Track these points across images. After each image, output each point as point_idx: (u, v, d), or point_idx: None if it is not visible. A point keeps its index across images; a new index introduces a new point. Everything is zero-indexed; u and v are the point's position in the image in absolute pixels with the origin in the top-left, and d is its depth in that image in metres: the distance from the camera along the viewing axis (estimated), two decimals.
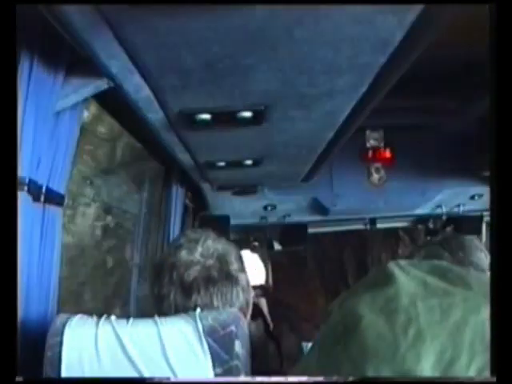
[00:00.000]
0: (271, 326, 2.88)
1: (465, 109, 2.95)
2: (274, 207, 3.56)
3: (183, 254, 1.59)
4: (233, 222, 3.60)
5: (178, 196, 3.08)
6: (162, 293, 1.56)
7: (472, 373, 0.73)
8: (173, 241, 1.85)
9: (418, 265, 0.86)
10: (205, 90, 1.40)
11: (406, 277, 0.83)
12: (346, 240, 6.47)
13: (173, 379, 1.23)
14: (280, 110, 1.57)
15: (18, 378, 1.03)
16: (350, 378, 0.76)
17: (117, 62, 1.22)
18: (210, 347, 1.24)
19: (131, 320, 1.32)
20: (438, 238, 2.75)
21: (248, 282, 1.67)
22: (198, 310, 1.34)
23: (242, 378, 1.26)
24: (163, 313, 1.46)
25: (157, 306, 1.57)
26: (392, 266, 0.85)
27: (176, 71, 1.26)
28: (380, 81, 1.43)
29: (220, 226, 3.46)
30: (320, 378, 0.81)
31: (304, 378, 0.87)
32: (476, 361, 0.74)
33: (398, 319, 0.76)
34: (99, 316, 1.32)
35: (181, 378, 1.23)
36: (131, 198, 3.45)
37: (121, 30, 1.04)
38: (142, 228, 3.39)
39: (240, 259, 1.68)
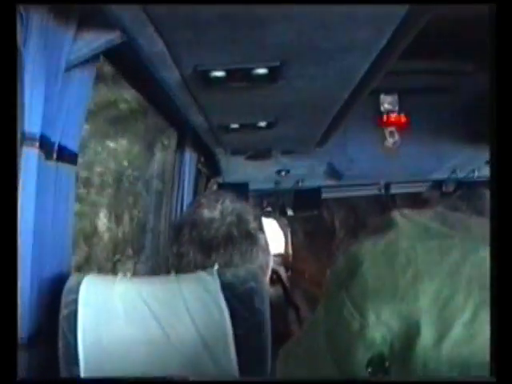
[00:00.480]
0: (289, 292, 2.90)
1: (480, 70, 2.92)
2: (287, 172, 3.56)
3: (203, 213, 1.59)
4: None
5: (191, 160, 3.07)
6: (181, 251, 1.56)
7: (468, 310, 0.72)
8: (193, 201, 1.86)
9: (420, 212, 0.87)
10: (219, 46, 1.37)
11: (407, 222, 0.83)
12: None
13: (191, 378, 1.24)
14: (296, 67, 1.54)
15: (18, 378, 1.04)
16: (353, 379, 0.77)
17: (130, 14, 1.19)
18: (228, 303, 1.23)
19: (150, 278, 1.32)
20: (457, 192, 2.74)
21: (267, 243, 1.67)
22: (216, 266, 1.33)
23: (250, 378, 1.27)
24: (182, 271, 1.45)
25: (175, 264, 1.56)
26: (394, 213, 0.86)
27: (190, 24, 1.23)
28: (398, 36, 1.40)
29: (239, 194, 3.47)
30: (323, 378, 0.81)
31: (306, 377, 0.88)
32: (473, 298, 0.73)
33: (398, 261, 0.76)
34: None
35: (200, 378, 1.24)
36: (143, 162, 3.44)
37: None
38: (154, 193, 3.38)
39: (259, 219, 1.68)
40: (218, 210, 1.60)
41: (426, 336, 0.71)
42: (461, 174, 3.64)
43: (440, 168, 3.58)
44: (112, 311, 1.24)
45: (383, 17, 1.27)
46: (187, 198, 3.05)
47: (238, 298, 1.24)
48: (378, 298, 0.75)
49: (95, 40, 1.31)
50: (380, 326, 0.73)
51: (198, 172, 3.29)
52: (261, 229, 1.65)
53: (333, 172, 3.57)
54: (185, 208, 2.96)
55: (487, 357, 0.73)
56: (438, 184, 3.88)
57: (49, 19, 1.22)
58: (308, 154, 3.37)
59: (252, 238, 1.58)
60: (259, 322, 1.25)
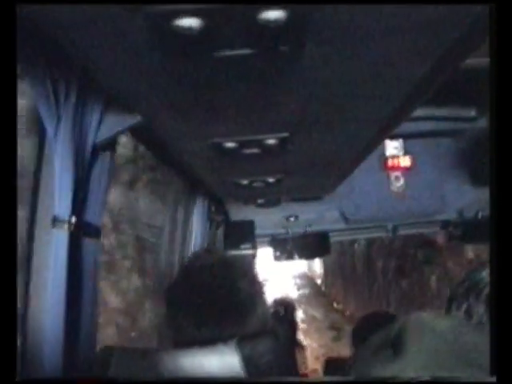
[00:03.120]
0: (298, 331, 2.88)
1: (483, 116, 2.98)
2: (296, 218, 3.61)
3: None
4: (256, 232, 3.64)
5: (203, 210, 3.14)
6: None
7: None
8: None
9: (436, 320, 0.92)
10: (231, 119, 1.44)
11: (418, 344, 0.87)
12: None
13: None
14: (303, 136, 1.61)
15: (18, 378, 1.06)
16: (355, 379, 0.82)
17: (146, 101, 1.27)
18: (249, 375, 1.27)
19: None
20: None
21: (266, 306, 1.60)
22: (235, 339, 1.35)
23: (248, 379, 1.29)
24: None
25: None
26: (409, 320, 0.92)
27: (204, 106, 1.30)
28: (405, 106, 1.45)
29: (245, 232, 3.51)
30: (322, 378, 0.85)
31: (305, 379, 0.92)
32: None
33: None
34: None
35: None
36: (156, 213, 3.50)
37: (149, 73, 1.09)
38: (166, 241, 3.44)
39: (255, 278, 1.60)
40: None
41: None
42: (467, 215, 3.68)
43: (446, 209, 3.62)
44: None
45: (387, 92, 1.32)
46: (198, 246, 3.11)
47: (257, 370, 1.28)
48: None
49: (118, 124, 1.40)
50: None
51: (210, 220, 3.34)
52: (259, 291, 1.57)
53: (340, 216, 3.63)
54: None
55: None
56: (445, 225, 3.92)
57: (78, 106, 1.30)
58: (316, 200, 3.44)
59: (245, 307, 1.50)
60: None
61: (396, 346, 0.89)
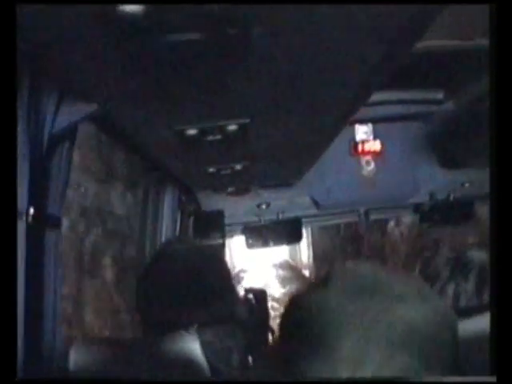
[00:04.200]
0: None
1: (450, 98, 3.00)
2: (268, 205, 3.61)
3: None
4: (227, 220, 3.64)
5: (172, 199, 3.12)
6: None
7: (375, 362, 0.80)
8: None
9: (357, 266, 0.96)
10: (191, 108, 1.43)
11: (343, 277, 0.93)
12: None
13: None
14: (265, 122, 1.61)
15: (18, 378, 1.03)
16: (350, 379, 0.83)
17: (101, 89, 1.26)
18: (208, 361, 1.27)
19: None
20: None
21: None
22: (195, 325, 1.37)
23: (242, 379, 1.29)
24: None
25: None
26: (336, 266, 0.97)
27: (161, 93, 1.29)
28: (363, 90, 1.46)
29: (214, 222, 3.51)
30: (323, 378, 0.86)
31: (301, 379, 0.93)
32: (380, 352, 0.81)
33: (327, 312, 0.86)
34: None
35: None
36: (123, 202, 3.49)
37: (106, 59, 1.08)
38: (135, 231, 3.43)
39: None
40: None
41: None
42: (438, 197, 3.69)
43: (417, 193, 3.64)
44: None
45: (347, 77, 1.33)
46: (169, 236, 3.11)
47: (217, 355, 1.29)
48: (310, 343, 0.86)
49: (74, 113, 1.38)
50: None
51: (180, 210, 3.33)
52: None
53: (312, 202, 3.63)
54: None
55: None
56: (417, 208, 3.94)
57: (31, 95, 1.29)
58: (287, 187, 3.44)
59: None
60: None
61: (323, 279, 0.94)
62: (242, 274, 18.34)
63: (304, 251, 17.13)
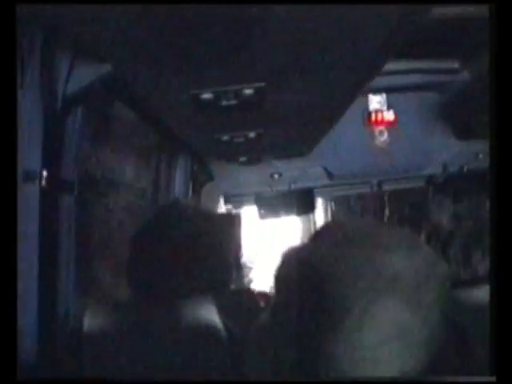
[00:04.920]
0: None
1: (465, 68, 2.96)
2: (280, 175, 3.60)
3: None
4: (239, 190, 3.64)
5: (185, 169, 3.12)
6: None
7: (357, 307, 0.83)
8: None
9: (350, 222, 1.00)
10: (206, 71, 1.41)
11: (337, 231, 0.97)
12: None
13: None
14: (280, 86, 1.59)
15: (18, 378, 1.02)
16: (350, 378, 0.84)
17: (119, 49, 1.24)
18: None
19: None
20: None
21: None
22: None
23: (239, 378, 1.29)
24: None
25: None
26: (330, 222, 1.01)
27: (177, 54, 1.27)
28: (381, 53, 1.44)
29: None
30: (323, 378, 0.87)
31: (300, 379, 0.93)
32: (363, 298, 0.83)
33: (319, 264, 0.90)
34: None
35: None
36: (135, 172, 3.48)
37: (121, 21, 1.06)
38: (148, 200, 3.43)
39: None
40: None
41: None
42: (452, 169, 3.67)
43: (430, 164, 3.62)
44: None
45: (364, 39, 1.31)
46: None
47: (233, 319, 1.28)
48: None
49: (88, 74, 1.36)
50: None
51: (193, 180, 3.33)
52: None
53: (325, 172, 3.61)
54: None
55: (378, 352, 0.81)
56: (430, 179, 3.92)
57: (44, 56, 1.27)
58: (300, 157, 3.42)
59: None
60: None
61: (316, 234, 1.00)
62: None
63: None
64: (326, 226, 1.00)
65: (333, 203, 10.13)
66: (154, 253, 1.45)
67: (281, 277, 0.97)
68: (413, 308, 0.83)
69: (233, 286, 1.48)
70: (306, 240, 1.02)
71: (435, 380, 0.82)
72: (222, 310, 1.28)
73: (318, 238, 0.96)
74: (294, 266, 0.93)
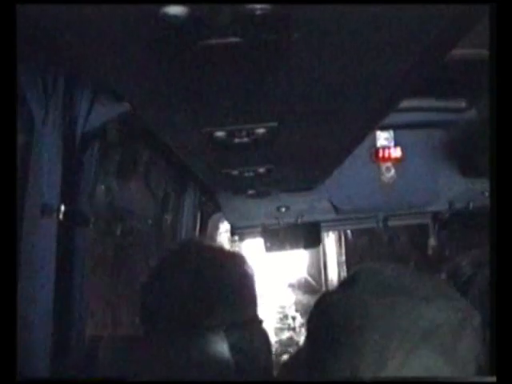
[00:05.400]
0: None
1: (472, 106, 3.00)
2: (287, 208, 3.62)
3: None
4: (246, 222, 3.66)
5: (193, 200, 3.15)
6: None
7: (399, 356, 0.83)
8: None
9: (382, 268, 1.00)
10: (222, 111, 1.44)
11: (368, 278, 0.96)
12: None
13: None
14: (292, 126, 1.61)
15: (18, 378, 1.04)
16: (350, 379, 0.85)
17: (135, 89, 1.27)
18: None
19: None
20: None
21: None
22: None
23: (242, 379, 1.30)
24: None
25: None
26: (360, 268, 1.01)
27: (193, 95, 1.30)
28: (392, 97, 1.47)
29: None
30: (323, 379, 0.88)
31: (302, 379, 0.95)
32: (404, 348, 0.84)
33: (354, 312, 0.90)
34: None
35: None
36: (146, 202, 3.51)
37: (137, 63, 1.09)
38: (155, 231, 3.45)
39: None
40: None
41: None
42: (456, 205, 3.69)
43: (436, 200, 3.64)
44: None
45: (376, 82, 1.33)
46: (186, 234, 3.14)
47: (246, 356, 1.30)
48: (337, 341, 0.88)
49: (106, 112, 1.40)
50: None
51: (200, 210, 3.36)
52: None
53: (331, 207, 3.64)
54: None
55: None
56: (435, 216, 3.94)
57: (66, 94, 1.31)
58: (307, 191, 3.45)
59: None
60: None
61: (350, 280, 0.99)
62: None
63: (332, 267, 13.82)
64: (359, 272, 0.99)
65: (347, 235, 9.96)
66: (171, 288, 1.45)
67: (315, 322, 0.97)
68: (449, 358, 0.83)
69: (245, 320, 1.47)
70: (341, 284, 1.02)
71: (435, 380, 0.82)
72: (233, 347, 1.30)
73: (352, 284, 0.96)
74: (328, 313, 0.93)
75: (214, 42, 0.95)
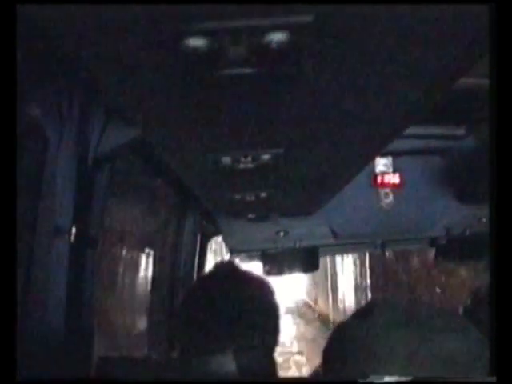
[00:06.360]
0: None
1: (470, 134, 3.03)
2: (286, 232, 3.63)
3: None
4: (245, 246, 3.68)
5: (194, 223, 3.18)
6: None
7: None
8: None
9: (397, 300, 1.02)
10: (229, 137, 1.47)
11: (384, 310, 0.99)
12: None
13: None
14: (297, 152, 1.64)
15: (18, 378, 1.02)
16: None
17: (148, 115, 1.30)
18: None
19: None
20: None
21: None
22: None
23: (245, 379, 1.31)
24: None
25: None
26: (376, 300, 1.03)
27: (204, 122, 1.33)
28: (398, 126, 1.49)
29: None
30: (320, 378, 0.89)
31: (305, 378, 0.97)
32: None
33: (372, 342, 0.93)
34: None
35: None
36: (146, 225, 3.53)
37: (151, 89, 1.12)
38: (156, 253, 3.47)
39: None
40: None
41: None
42: (454, 232, 3.71)
43: (434, 226, 3.66)
44: None
45: (384, 111, 1.35)
46: (186, 257, 3.17)
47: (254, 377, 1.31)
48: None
49: (119, 137, 1.43)
50: None
51: (201, 234, 3.38)
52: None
53: (330, 232, 3.65)
54: (182, 267, 3.12)
55: None
56: (433, 242, 3.96)
57: (80, 118, 1.34)
58: (306, 215, 3.47)
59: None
60: None
61: (367, 311, 1.00)
62: None
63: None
64: (375, 304, 1.01)
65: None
66: (196, 312, 1.50)
67: (331, 353, 1.00)
68: None
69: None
70: (356, 315, 1.04)
71: (435, 380, 0.84)
72: (241, 369, 1.31)
73: (368, 316, 0.97)
74: (345, 345, 0.94)
75: (229, 72, 0.98)
